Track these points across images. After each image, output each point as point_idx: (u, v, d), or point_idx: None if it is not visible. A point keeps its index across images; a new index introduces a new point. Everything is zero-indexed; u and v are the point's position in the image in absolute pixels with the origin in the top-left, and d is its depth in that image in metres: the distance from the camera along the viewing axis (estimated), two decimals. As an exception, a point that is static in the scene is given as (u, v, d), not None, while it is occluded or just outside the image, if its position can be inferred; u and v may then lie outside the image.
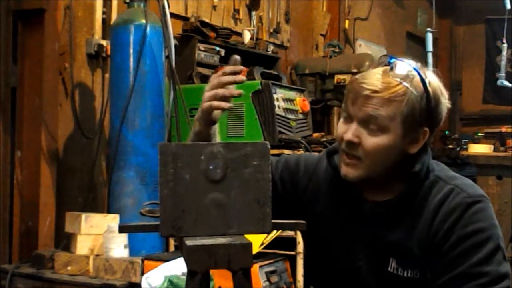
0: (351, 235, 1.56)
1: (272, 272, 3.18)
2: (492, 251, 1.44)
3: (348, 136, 1.48)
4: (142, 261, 2.89)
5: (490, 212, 1.50)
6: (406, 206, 1.52)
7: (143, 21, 3.19)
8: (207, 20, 4.32)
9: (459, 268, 1.44)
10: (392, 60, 1.49)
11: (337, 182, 1.59)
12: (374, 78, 1.47)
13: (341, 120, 1.53)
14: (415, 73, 1.47)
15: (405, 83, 1.45)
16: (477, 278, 1.42)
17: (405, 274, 1.50)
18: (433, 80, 1.51)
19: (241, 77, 1.52)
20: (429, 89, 1.47)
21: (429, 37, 5.40)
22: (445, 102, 1.52)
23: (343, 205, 1.59)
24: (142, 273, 2.81)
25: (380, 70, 1.49)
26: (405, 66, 1.48)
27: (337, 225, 1.58)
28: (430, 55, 5.44)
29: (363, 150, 1.48)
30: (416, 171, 1.51)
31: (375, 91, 1.45)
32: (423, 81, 1.47)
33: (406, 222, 1.51)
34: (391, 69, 1.47)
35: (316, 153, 1.75)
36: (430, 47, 5.41)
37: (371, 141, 1.47)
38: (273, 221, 1.40)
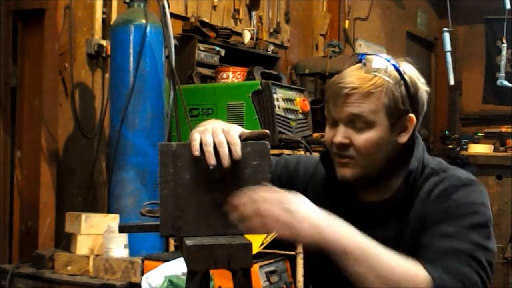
0: None
1: (272, 272, 3.18)
2: (479, 224, 1.42)
3: (338, 139, 1.49)
4: (142, 261, 2.89)
5: (482, 194, 1.49)
6: (401, 203, 1.52)
7: (143, 21, 3.19)
8: (207, 20, 4.32)
9: (440, 229, 1.42)
10: (364, 56, 1.51)
11: (332, 185, 1.60)
12: (350, 76, 1.49)
13: (327, 126, 1.54)
14: (388, 63, 1.50)
15: (380, 74, 1.48)
16: (457, 239, 1.39)
17: None
18: (408, 69, 1.53)
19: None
20: (405, 76, 1.50)
21: (447, 36, 5.40)
22: (424, 87, 1.55)
23: (340, 208, 1.59)
24: (142, 273, 2.81)
25: (354, 68, 1.52)
26: (377, 59, 1.51)
27: None
28: (448, 55, 5.43)
29: (355, 149, 1.49)
30: (411, 169, 1.51)
31: (353, 88, 1.47)
32: (397, 69, 1.50)
33: (400, 219, 1.51)
34: (364, 64, 1.50)
35: (316, 156, 1.75)
36: (448, 46, 5.40)
37: (361, 138, 1.48)
38: (273, 221, 1.40)
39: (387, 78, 1.48)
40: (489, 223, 1.45)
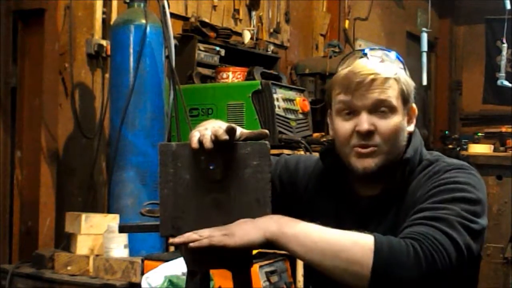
0: None
1: (272, 272, 3.17)
2: (462, 198, 1.39)
3: (365, 126, 1.47)
4: (142, 261, 2.89)
5: (472, 177, 1.47)
6: (398, 193, 1.52)
7: (143, 21, 3.19)
8: (207, 20, 4.32)
9: (421, 205, 1.40)
10: (366, 50, 1.53)
11: (332, 182, 1.60)
12: (367, 65, 1.50)
13: (340, 119, 1.52)
14: (390, 53, 1.54)
15: (391, 64, 1.52)
16: (433, 210, 1.36)
17: None
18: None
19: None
20: (406, 68, 1.56)
21: (424, 36, 5.42)
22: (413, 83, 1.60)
23: (340, 204, 1.59)
24: (142, 273, 2.81)
25: (363, 60, 1.51)
26: (379, 51, 1.54)
27: (335, 225, 1.59)
28: (424, 55, 5.47)
29: (381, 135, 1.49)
30: (408, 157, 1.52)
31: (376, 74, 1.48)
32: (401, 60, 1.55)
33: (397, 209, 1.50)
34: (371, 56, 1.52)
35: (316, 155, 1.75)
36: (425, 47, 5.44)
37: (386, 123, 1.49)
38: (273, 221, 1.40)
39: (396, 66, 1.52)
40: (477, 203, 1.40)
